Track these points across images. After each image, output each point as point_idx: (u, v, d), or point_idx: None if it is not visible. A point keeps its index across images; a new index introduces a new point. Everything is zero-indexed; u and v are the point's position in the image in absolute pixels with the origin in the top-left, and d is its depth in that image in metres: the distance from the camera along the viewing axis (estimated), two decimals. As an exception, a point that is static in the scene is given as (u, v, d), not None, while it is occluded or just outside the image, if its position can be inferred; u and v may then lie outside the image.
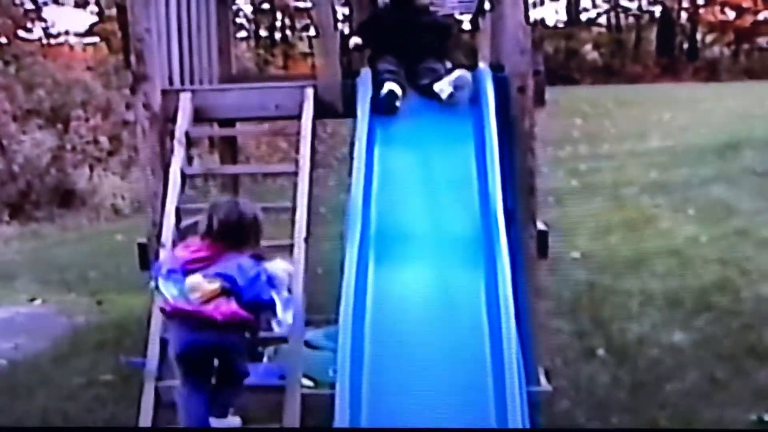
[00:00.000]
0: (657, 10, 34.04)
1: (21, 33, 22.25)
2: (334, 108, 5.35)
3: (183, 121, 5.26)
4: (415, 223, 4.73)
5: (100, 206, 14.04)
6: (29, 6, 24.34)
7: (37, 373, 6.20)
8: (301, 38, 32.47)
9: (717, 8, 32.05)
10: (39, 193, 13.82)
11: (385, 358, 4.29)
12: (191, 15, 5.89)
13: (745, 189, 11.24)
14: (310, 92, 5.29)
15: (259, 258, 4.27)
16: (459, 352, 4.32)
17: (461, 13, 7.86)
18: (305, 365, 4.99)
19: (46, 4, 25.40)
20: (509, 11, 5.15)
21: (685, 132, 16.46)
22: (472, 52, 7.49)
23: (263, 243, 4.83)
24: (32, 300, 8.33)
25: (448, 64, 5.52)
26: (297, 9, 30.88)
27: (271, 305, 4.23)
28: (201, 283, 4.13)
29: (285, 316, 4.30)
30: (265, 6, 31.22)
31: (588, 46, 34.41)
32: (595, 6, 35.49)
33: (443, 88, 5.19)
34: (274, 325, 4.29)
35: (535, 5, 32.49)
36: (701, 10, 32.54)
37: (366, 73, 5.34)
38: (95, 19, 28.49)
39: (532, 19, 27.86)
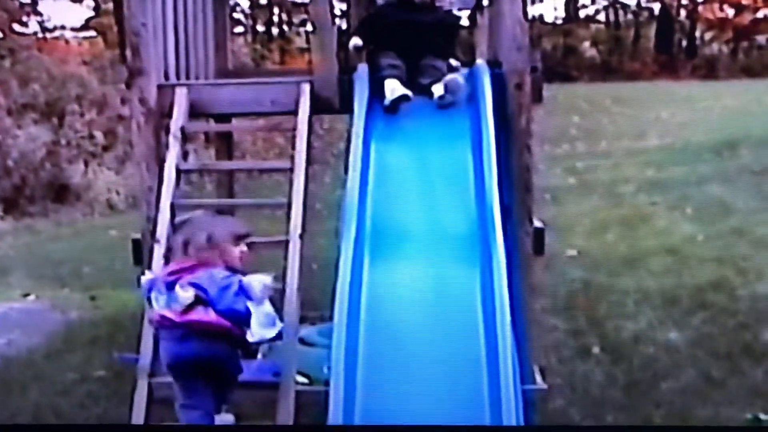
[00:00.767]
0: (656, 7, 34.06)
1: (16, 27, 22.23)
2: (331, 104, 5.35)
3: (178, 117, 5.26)
4: (411, 219, 4.73)
5: (95, 201, 14.02)
6: (25, 0, 24.31)
7: (31, 369, 6.20)
8: (298, 33, 32.42)
9: (716, 6, 32.08)
10: (33, 188, 13.79)
11: (380, 355, 4.29)
12: (187, 10, 5.89)
13: (742, 188, 11.25)
14: (306, 88, 5.29)
15: (233, 271, 4.29)
16: (454, 349, 4.32)
17: (459, 9, 7.85)
18: (299, 362, 4.99)
19: (41, -3, 25.37)
20: (507, 7, 5.16)
21: (683, 130, 16.47)
22: (470, 49, 7.48)
23: (259, 239, 4.85)
24: (26, 295, 8.32)
25: (453, 62, 5.51)
26: (294, 4, 30.89)
27: (246, 316, 4.25)
28: (177, 292, 4.19)
29: (260, 330, 4.31)
30: (262, 1, 31.19)
31: (586, 43, 34.41)
32: (593, 2, 35.50)
33: (437, 90, 5.20)
34: (248, 334, 4.29)
35: (533, 2, 32.49)
36: (700, 8, 32.57)
37: (363, 68, 5.34)
38: (91, 13, 28.45)
39: (530, 16, 27.91)
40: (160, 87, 5.35)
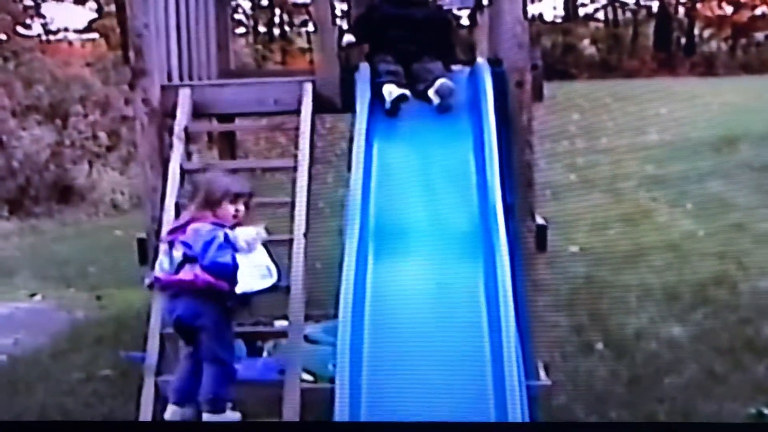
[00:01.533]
0: (654, 5, 34.01)
1: (20, 29, 22.24)
2: (333, 103, 5.34)
3: (182, 117, 5.25)
4: (414, 217, 4.72)
5: (99, 202, 14.02)
6: (28, 2, 24.32)
7: (37, 369, 6.19)
8: (299, 34, 32.41)
9: (714, 3, 32.02)
10: (38, 189, 13.79)
11: (385, 352, 4.28)
12: (190, 10, 5.87)
13: (742, 183, 11.24)
14: (308, 87, 5.27)
15: (220, 225, 4.29)
16: (458, 346, 4.31)
17: (459, 9, 7.84)
18: (304, 360, 4.98)
19: (44, 0, 25.37)
20: (507, 6, 5.15)
21: (683, 126, 16.45)
22: (470, 47, 7.47)
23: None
24: (32, 295, 8.32)
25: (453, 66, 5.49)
26: (295, 5, 30.85)
27: (230, 268, 4.23)
28: (173, 253, 4.28)
29: (247, 281, 4.29)
30: (264, 2, 31.19)
31: (585, 41, 34.37)
32: (592, 1, 35.47)
33: (431, 96, 5.18)
34: (237, 289, 4.28)
35: (533, 0, 32.46)
36: (698, 5, 32.49)
37: (364, 67, 5.33)
38: (94, 15, 28.45)
39: (530, 14, 27.90)
40: (163, 87, 5.34)
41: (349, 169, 4.79)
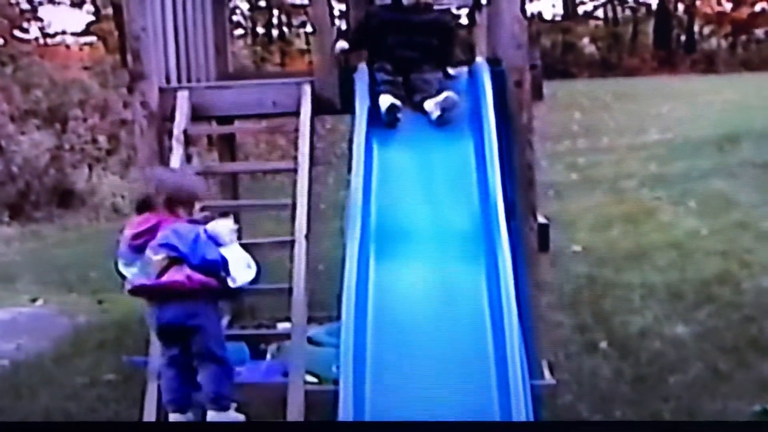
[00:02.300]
0: (654, 2, 34.01)
1: (17, 33, 22.24)
2: (332, 104, 5.35)
3: (181, 119, 5.25)
4: (416, 218, 4.72)
5: (100, 206, 14.02)
6: (25, 6, 24.33)
7: (40, 374, 6.19)
8: (298, 35, 32.44)
9: (713, 0, 32.03)
10: (38, 194, 13.80)
11: (388, 353, 4.28)
12: (187, 13, 5.88)
13: (744, 181, 11.23)
14: (307, 89, 5.28)
15: (195, 222, 4.29)
16: (461, 346, 4.32)
17: (458, 8, 7.83)
18: (308, 362, 4.99)
19: (41, 3, 25.38)
20: (506, 5, 5.15)
21: (684, 124, 16.45)
22: (469, 47, 7.48)
23: (263, 239, 4.83)
24: (34, 300, 8.32)
25: (450, 70, 5.45)
26: (293, 6, 30.87)
27: (221, 263, 4.21)
28: (149, 256, 4.18)
29: (239, 273, 4.28)
30: (262, 3, 31.20)
31: (585, 40, 34.37)
32: (591, -1, 35.49)
33: (432, 109, 5.11)
34: (229, 281, 4.25)
35: (531, -1, 32.46)
36: (698, 3, 32.50)
37: (363, 68, 5.33)
38: (91, 18, 28.46)
39: (528, 13, 27.90)
40: (161, 90, 5.35)
41: (349, 171, 4.79)
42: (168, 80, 5.51)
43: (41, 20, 25.58)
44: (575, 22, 34.50)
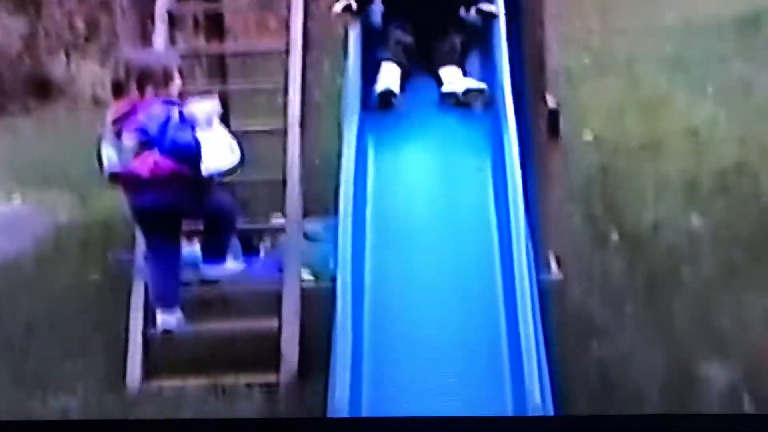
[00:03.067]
0: None
1: None
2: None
3: (164, -1, 5.18)
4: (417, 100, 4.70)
5: (79, 96, 13.91)
6: None
7: (20, 276, 6.20)
8: None
9: None
10: (12, 84, 13.68)
11: (388, 247, 4.33)
12: None
13: (766, 65, 11.11)
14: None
15: (170, 103, 4.27)
16: (465, 239, 4.36)
17: None
18: (304, 258, 5.04)
19: None
20: None
21: (703, 4, 16.18)
22: None
23: (253, 127, 4.82)
24: (11, 199, 8.32)
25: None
26: None
27: (194, 148, 4.23)
28: (123, 141, 4.22)
29: (213, 161, 4.29)
30: None
31: None
32: None
33: (451, 86, 4.62)
34: (203, 169, 4.27)
35: None
36: None
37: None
38: None
39: None
40: (143, -33, 5.26)
41: (345, 56, 4.75)
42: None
43: None
44: None
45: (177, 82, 4.36)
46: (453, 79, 4.63)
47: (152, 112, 4.18)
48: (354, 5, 4.75)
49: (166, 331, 4.65)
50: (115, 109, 4.32)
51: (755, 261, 5.80)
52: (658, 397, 4.32)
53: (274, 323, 4.80)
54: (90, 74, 14.17)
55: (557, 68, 5.26)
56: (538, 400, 3.60)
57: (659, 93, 10.38)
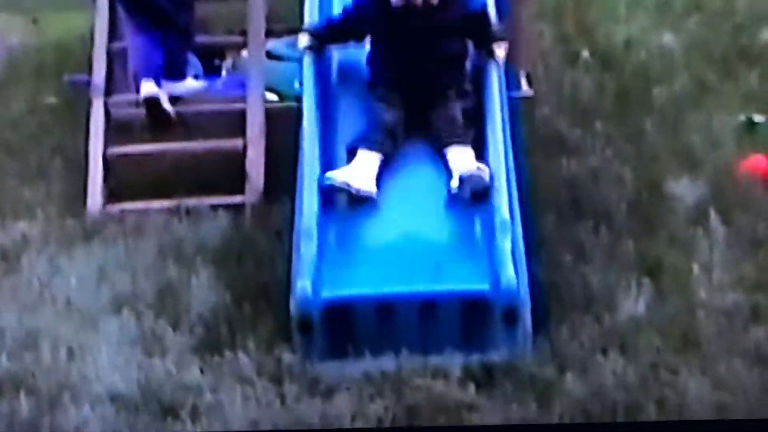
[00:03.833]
0: None
1: None
2: None
3: None
4: None
5: None
6: None
7: (-26, 102, 6.08)
8: None
9: None
10: None
11: (353, 61, 4.30)
12: None
13: None
14: None
15: None
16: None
17: None
18: (268, 78, 4.97)
19: None
20: None
21: None
22: None
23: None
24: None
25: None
26: None
27: None
28: None
29: None
30: None
31: None
32: None
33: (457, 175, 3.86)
34: None
35: None
36: None
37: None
38: None
39: None
40: None
41: None
42: None
43: None
44: None
45: None
46: (465, 164, 3.87)
47: None
48: (314, 43, 4.26)
49: (148, 99, 4.77)
50: None
51: (726, 79, 5.80)
52: (625, 213, 4.36)
53: (239, 143, 4.75)
54: None
55: None
56: (507, 215, 3.63)
57: None
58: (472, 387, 3.24)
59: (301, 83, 4.32)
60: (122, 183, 4.82)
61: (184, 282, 3.96)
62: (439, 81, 4.08)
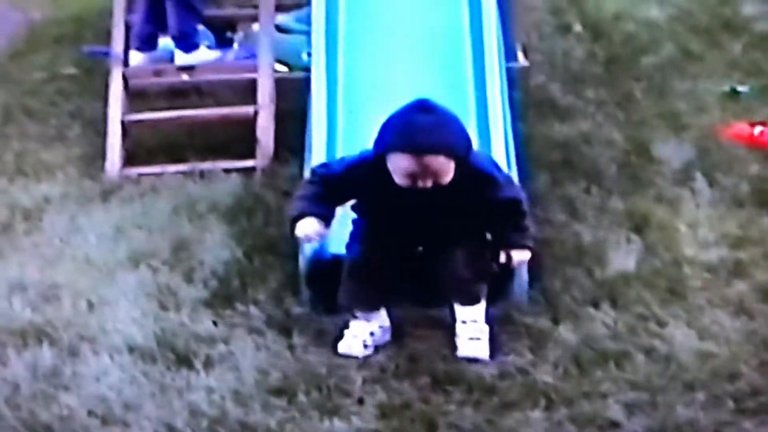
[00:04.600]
0: None
1: None
2: None
3: None
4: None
5: None
6: None
7: (-6, 70, 6.03)
8: None
9: None
10: None
11: (361, 34, 4.26)
12: None
13: None
14: None
15: None
16: (437, 27, 4.29)
17: None
18: (276, 50, 4.93)
19: None
20: None
21: None
22: None
23: None
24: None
25: None
26: None
27: None
28: None
29: None
30: None
31: None
32: None
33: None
34: None
35: None
36: None
37: None
38: None
39: None
40: None
41: None
42: None
43: None
44: None
45: None
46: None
47: None
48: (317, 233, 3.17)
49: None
50: None
51: (710, 49, 5.77)
52: (615, 173, 4.34)
53: (251, 110, 4.72)
54: None
55: None
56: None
57: None
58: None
59: (309, 54, 4.28)
60: (139, 147, 4.79)
61: (198, 238, 3.94)
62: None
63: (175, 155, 4.66)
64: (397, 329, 3.27)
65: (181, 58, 4.79)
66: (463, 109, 3.95)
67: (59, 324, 3.37)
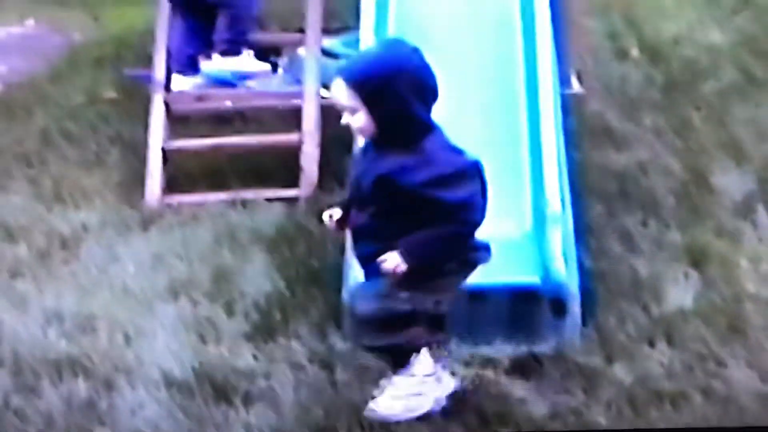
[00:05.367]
0: None
1: None
2: None
3: None
4: None
5: None
6: None
7: (35, 93, 6.12)
8: None
9: None
10: None
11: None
12: None
13: None
14: None
15: None
16: (490, 52, 4.31)
17: None
18: (323, 76, 4.97)
19: None
20: None
21: None
22: None
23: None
24: (23, 18, 8.17)
25: None
26: None
27: None
28: None
29: None
30: None
31: None
32: None
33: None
34: None
35: None
36: None
37: None
38: None
39: None
40: None
41: None
42: None
43: None
44: None
45: None
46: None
47: None
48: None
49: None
50: None
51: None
52: (673, 204, 4.32)
53: (295, 138, 4.76)
54: None
55: None
56: (558, 207, 3.60)
57: None
58: (520, 376, 3.23)
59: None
60: (180, 174, 4.85)
61: (239, 269, 3.98)
62: None
63: (216, 182, 4.71)
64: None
65: (227, 64, 4.90)
66: (516, 137, 4.00)
67: (95, 355, 3.41)
